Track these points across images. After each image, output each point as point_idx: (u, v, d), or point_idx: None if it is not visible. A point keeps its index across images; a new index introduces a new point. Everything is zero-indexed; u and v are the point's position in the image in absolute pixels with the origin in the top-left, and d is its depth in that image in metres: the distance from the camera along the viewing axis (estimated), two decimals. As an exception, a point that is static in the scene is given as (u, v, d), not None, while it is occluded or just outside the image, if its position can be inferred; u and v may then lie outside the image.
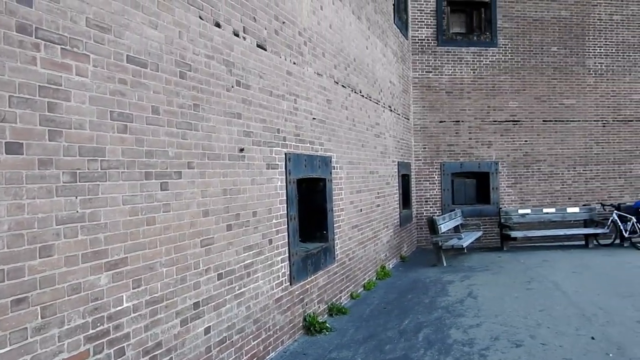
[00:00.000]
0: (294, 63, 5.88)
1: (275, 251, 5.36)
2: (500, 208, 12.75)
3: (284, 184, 5.59)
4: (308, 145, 6.26)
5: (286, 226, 5.61)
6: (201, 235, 4.04)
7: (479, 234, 12.07)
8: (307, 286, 6.12)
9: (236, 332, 4.52)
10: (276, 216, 5.39)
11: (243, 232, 4.69)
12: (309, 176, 6.28)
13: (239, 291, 4.59)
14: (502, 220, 12.45)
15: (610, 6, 13.45)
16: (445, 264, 10.23)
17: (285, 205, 5.61)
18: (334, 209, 7.08)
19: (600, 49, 13.40)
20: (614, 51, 13.46)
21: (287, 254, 5.60)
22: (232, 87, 4.55)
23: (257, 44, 5.01)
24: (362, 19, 8.62)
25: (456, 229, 11.78)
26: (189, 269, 3.87)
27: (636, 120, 13.51)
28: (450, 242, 10.55)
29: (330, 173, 6.96)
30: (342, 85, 7.55)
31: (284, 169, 5.58)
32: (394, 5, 11.01)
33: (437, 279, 8.94)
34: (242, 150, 4.68)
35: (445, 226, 10.75)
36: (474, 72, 12.93)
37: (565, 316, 6.45)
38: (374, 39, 9.38)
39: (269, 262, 5.21)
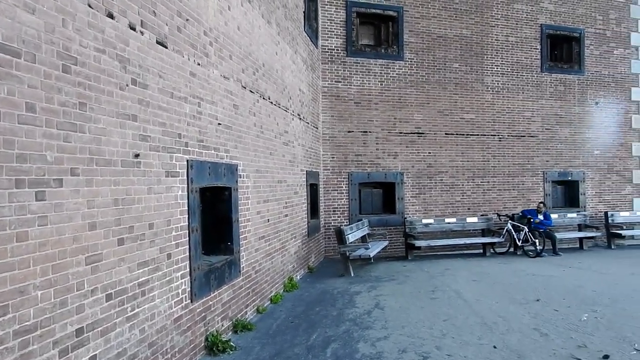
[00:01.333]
0: (199, 64, 5.51)
1: (175, 266, 4.93)
2: (405, 218, 13.01)
3: (186, 193, 5.19)
4: (213, 152, 5.88)
5: (187, 239, 5.20)
6: (86, 252, 3.56)
7: (385, 243, 12.20)
8: (210, 302, 5.72)
9: (128, 358, 4.05)
10: (176, 228, 4.97)
11: (137, 247, 4.24)
12: (213, 185, 5.91)
13: (131, 312, 4.13)
14: (407, 230, 12.70)
15: (506, 28, 14.25)
16: (352, 274, 10.19)
17: (187, 216, 5.20)
18: (240, 219, 6.73)
19: (497, 68, 14.14)
20: (509, 70, 14.26)
21: (188, 269, 5.19)
22: (127, 85, 4.11)
23: (156, 40, 4.60)
24: (272, 24, 8.38)
25: (363, 239, 11.82)
26: (70, 291, 3.38)
27: (528, 136, 14.38)
28: (357, 252, 10.53)
29: (237, 182, 6.62)
30: (250, 91, 7.25)
31: (185, 177, 5.17)
32: (304, 12, 10.89)
33: (344, 290, 8.84)
34: (137, 155, 4.24)
35: (352, 236, 10.73)
36: (381, 84, 13.13)
37: (468, 325, 6.55)
38: (284, 45, 9.18)
39: (167, 278, 4.77)
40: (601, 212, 14.87)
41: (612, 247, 14.24)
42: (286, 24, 9.36)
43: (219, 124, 6.07)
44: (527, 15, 14.45)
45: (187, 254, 5.19)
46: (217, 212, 6.39)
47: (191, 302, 5.24)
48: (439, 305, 7.68)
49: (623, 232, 14.02)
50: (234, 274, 6.43)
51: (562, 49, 15.06)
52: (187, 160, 5.21)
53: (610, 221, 14.27)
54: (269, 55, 8.22)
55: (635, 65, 15.38)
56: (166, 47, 4.77)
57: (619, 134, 15.24)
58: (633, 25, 15.48)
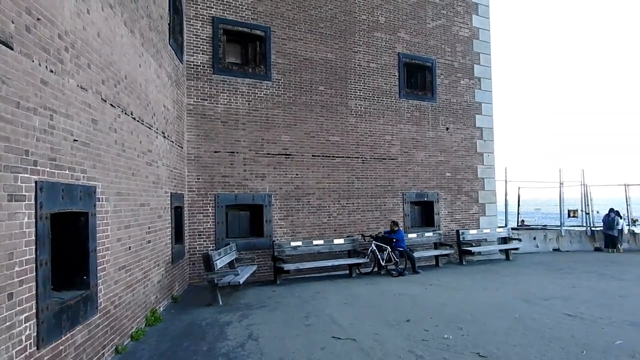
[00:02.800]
0: (52, 71, 4.77)
1: (18, 308, 4.13)
2: (274, 241, 12.77)
3: (33, 220, 4.41)
4: (67, 172, 5.12)
5: (34, 274, 4.40)
6: None
7: (254, 268, 11.82)
8: (61, 347, 4.91)
9: None
10: (20, 262, 4.18)
11: (-31, 289, 3.44)
12: (67, 210, 5.13)
13: (-41, 372, 3.31)
14: (276, 253, 12.45)
15: (367, 54, 14.86)
16: (221, 303, 9.63)
17: (34, 247, 4.41)
18: (97, 248, 5.95)
19: (360, 92, 14.64)
20: (370, 95, 14.84)
21: (34, 310, 4.39)
22: (-40, 90, 3.34)
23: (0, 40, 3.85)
24: (135, 34, 7.71)
25: (231, 264, 11.33)
26: None
27: (388, 159, 15.03)
28: (226, 278, 10.01)
29: (94, 206, 5.86)
30: (111, 104, 6.53)
31: (33, 202, 4.40)
32: (169, 25, 10.28)
33: (214, 321, 8.28)
34: (-28, 176, 3.46)
35: (221, 262, 10.20)
36: (249, 104, 12.85)
37: (346, 352, 6.42)
38: (148, 57, 8.51)
39: (7, 323, 3.96)
40: (453, 230, 15.98)
41: (464, 263, 15.34)
42: (150, 35, 8.71)
43: (75, 140, 5.31)
44: (386, 43, 15.21)
45: (34, 292, 4.39)
46: (72, 241, 5.58)
47: (38, 348, 4.44)
48: (314, 332, 7.48)
49: (473, 249, 15.17)
50: (90, 311, 5.64)
51: (417, 77, 16.08)
52: (36, 182, 4.44)
53: (461, 239, 15.39)
54: (132, 67, 7.54)
55: (479, 95, 16.94)
56: (12, 49, 4.03)
57: (467, 157, 16.59)
58: (476, 58, 17.07)
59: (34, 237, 4.41)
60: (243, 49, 13.33)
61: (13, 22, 4.07)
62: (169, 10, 10.28)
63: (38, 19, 4.52)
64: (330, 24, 14.29)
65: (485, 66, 17.25)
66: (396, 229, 13.72)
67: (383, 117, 15.02)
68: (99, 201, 6.04)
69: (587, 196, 20.54)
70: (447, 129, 16.20)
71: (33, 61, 4.41)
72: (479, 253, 15.75)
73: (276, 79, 13.30)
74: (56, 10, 4.89)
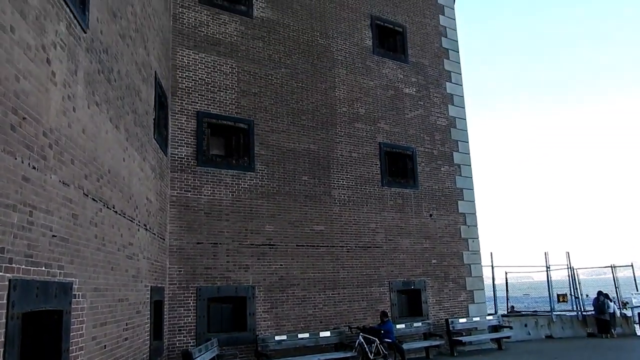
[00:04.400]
0: (34, 168, 4.79)
1: (-19, 419, 3.85)
2: (258, 335, 12.34)
3: (4, 320, 4.22)
4: (44, 268, 4.99)
5: (2, 380, 4.15)
6: None
7: (237, 364, 11.31)
8: None
9: None
10: (-13, 368, 3.95)
11: None
12: (40, 308, 4.94)
13: None
14: (260, 348, 11.99)
15: (349, 145, 15.25)
16: (201, 404, 9.12)
17: (3, 349, 4.19)
18: (70, 348, 5.68)
19: (343, 181, 14.85)
20: (353, 184, 15.06)
21: (-1, 420, 4.09)
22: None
23: (-17, 138, 3.89)
24: (120, 129, 7.86)
25: (213, 361, 10.85)
26: None
27: (373, 247, 14.98)
28: (207, 377, 9.55)
29: (70, 303, 5.66)
30: (93, 199, 6.51)
31: (5, 301, 4.24)
32: (154, 120, 10.52)
33: None
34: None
35: (201, 359, 9.76)
36: (232, 195, 12.92)
37: None
38: (132, 152, 8.62)
39: None
40: (442, 319, 15.64)
41: (455, 354, 14.89)
42: (135, 130, 8.88)
43: (54, 235, 5.23)
44: (367, 133, 15.68)
45: (0, 400, 4.12)
46: (44, 340, 5.32)
47: None
48: None
49: (464, 339, 14.79)
50: (60, 418, 5.27)
51: (398, 165, 16.42)
52: (10, 280, 4.30)
53: (451, 328, 15.04)
54: (116, 161, 7.61)
55: (460, 181, 17.28)
56: (-6, 147, 4.06)
57: (451, 243, 16.61)
58: (454, 145, 17.60)
59: (3, 339, 4.20)
60: (227, 141, 13.61)
61: (-2, 122, 4.13)
62: (155, 105, 10.56)
63: (24, 118, 4.60)
64: (312, 116, 14.76)
65: (464, 153, 17.74)
66: (385, 319, 13.40)
67: (367, 205, 15.15)
68: (75, 298, 5.85)
69: (574, 279, 20.47)
70: (431, 215, 16.34)
71: (16, 159, 4.43)
72: (470, 343, 15.33)
73: (260, 170, 13.48)
74: (42, 109, 4.99)
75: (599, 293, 18.83)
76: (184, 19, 13.20)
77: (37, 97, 4.88)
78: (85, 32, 6.24)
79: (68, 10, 5.66)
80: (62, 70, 5.49)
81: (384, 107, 16.35)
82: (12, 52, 4.39)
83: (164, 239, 11.43)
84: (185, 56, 13.00)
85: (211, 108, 13.12)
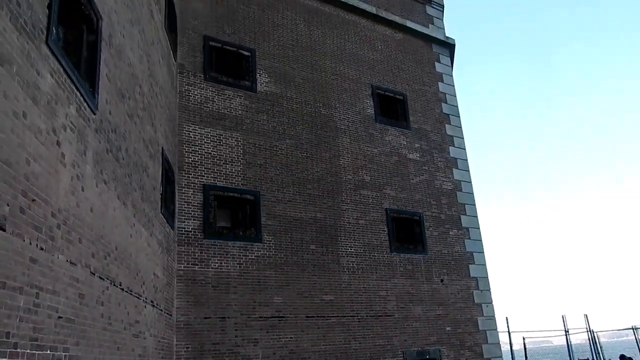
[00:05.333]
0: (42, 249, 4.79)
1: None
2: (269, 413, 11.85)
3: (7, 409, 4.09)
4: (49, 352, 4.89)
5: None
6: None
7: None
8: None
9: None
10: None
11: None
12: (45, 395, 4.79)
13: None
14: None
15: (355, 212, 15.24)
16: None
17: None
18: None
19: (351, 249, 14.73)
20: (361, 251, 14.92)
21: None
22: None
23: (-8, 222, 3.93)
24: (128, 205, 7.92)
25: None
26: None
27: (385, 315, 14.63)
28: None
29: (75, 388, 5.49)
30: (100, 277, 6.47)
31: (9, 389, 4.12)
32: (161, 195, 10.61)
33: None
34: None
35: None
36: (240, 267, 12.80)
37: None
38: (140, 227, 8.64)
39: None
40: (460, 389, 15.02)
41: None
42: (143, 206, 8.95)
43: (60, 317, 5.16)
44: (373, 200, 15.70)
45: None
46: None
47: None
48: None
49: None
50: None
51: (406, 231, 16.31)
52: (14, 367, 4.20)
53: (469, 399, 14.40)
54: (123, 237, 7.62)
55: (469, 245, 17.09)
56: (4, 230, 4.09)
57: (465, 309, 16.20)
58: (461, 209, 17.55)
59: None
60: (234, 213, 13.65)
61: (8, 205, 4.18)
62: (162, 181, 10.69)
63: (33, 200, 4.66)
64: (318, 184, 14.87)
65: (472, 216, 17.66)
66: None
67: (376, 272, 14.94)
68: (81, 382, 5.68)
69: (595, 343, 19.78)
70: (442, 281, 16.05)
71: (24, 240, 4.45)
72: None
73: (267, 241, 13.42)
74: (51, 190, 5.07)
75: (622, 357, 18.14)
76: (190, 95, 13.61)
77: (47, 179, 4.97)
78: (94, 114, 6.43)
79: (78, 94, 5.87)
80: (71, 151, 5.62)
81: (388, 174, 16.48)
82: (23, 136, 4.52)
83: (170, 315, 11.23)
84: (191, 131, 13.30)
85: (217, 181, 13.25)
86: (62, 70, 5.41)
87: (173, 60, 12.91)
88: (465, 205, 17.70)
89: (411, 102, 18.19)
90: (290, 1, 16.76)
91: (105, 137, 6.91)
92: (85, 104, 6.10)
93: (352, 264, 14.59)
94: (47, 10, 5.02)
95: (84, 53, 6.39)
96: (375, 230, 15.43)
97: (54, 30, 5.13)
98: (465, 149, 18.76)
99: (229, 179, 13.45)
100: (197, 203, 12.79)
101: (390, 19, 18.83)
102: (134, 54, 8.73)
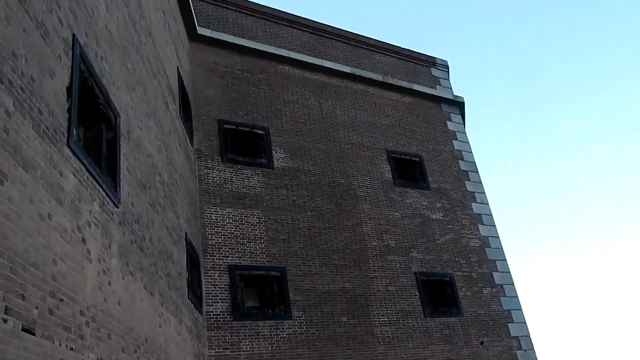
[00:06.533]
0: (72, 349, 4.73)
1: None
2: None
3: None
4: None
5: None
6: None
7: None
8: None
9: None
10: None
11: None
12: None
13: None
14: None
15: (384, 278, 14.94)
16: None
17: None
18: None
19: (383, 317, 14.31)
20: (395, 319, 14.48)
21: None
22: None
23: (22, 327, 3.91)
24: (155, 295, 7.88)
25: None
26: None
27: (427, 385, 13.97)
28: None
29: None
30: (131, 372, 6.33)
31: None
32: (187, 280, 10.56)
33: None
34: None
35: None
36: (272, 347, 12.47)
37: None
38: (168, 316, 8.54)
39: None
40: None
41: None
42: (170, 294, 8.89)
43: (92, 420, 5.01)
44: (400, 264, 15.42)
45: None
46: None
47: None
48: None
49: None
50: None
51: (438, 293, 15.84)
52: None
53: None
54: (152, 328, 7.51)
55: (505, 302, 16.49)
56: (34, 334, 4.06)
57: (510, 372, 15.41)
58: (492, 265, 17.09)
59: None
60: (261, 291, 13.47)
61: (37, 308, 4.18)
62: (187, 266, 10.68)
63: (61, 300, 4.65)
64: (343, 254, 14.69)
65: (504, 272, 17.17)
66: None
67: (412, 340, 14.41)
68: None
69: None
70: (482, 343, 15.39)
71: (54, 342, 4.41)
72: None
73: (297, 317, 13.13)
74: (78, 288, 5.07)
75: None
76: (209, 178, 13.84)
77: (74, 277, 4.98)
78: (117, 207, 6.54)
79: (101, 189, 6.00)
80: (96, 246, 5.67)
81: (413, 236, 16.26)
82: (49, 237, 4.58)
83: (205, 405, 10.87)
84: (212, 213, 13.41)
85: (242, 260, 13.19)
86: (84, 168, 5.56)
87: (190, 146, 13.25)
88: (496, 261, 17.26)
89: (428, 162, 18.24)
90: (299, 78, 17.31)
91: (129, 229, 6.98)
92: (107, 199, 6.22)
93: (387, 334, 14.12)
94: (67, 114, 5.24)
95: (104, 149, 6.59)
96: (407, 295, 15.03)
97: (74, 132, 5.33)
98: (488, 204, 18.54)
99: (253, 257, 13.39)
100: (224, 285, 12.68)
101: (397, 84, 19.29)
102: (152, 145, 8.99)
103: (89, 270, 5.38)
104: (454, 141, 19.50)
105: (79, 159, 5.44)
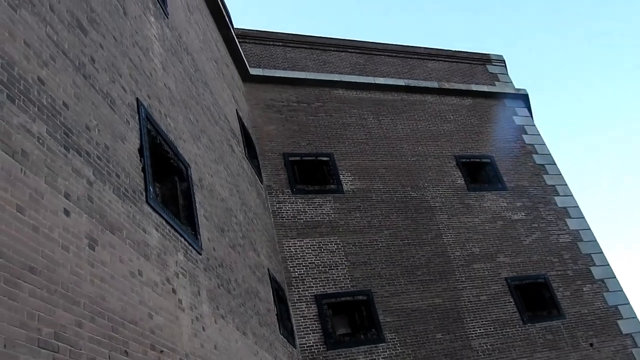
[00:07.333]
0: (177, 399, 4.85)
1: None
2: None
3: None
4: None
5: None
6: None
7: None
8: None
9: None
10: None
11: None
12: None
13: None
14: None
15: (474, 288, 14.41)
16: None
17: None
18: None
19: (480, 329, 13.76)
20: (492, 329, 13.87)
21: None
22: None
23: (128, 384, 4.05)
24: (248, 334, 7.98)
25: None
26: None
27: (538, 395, 13.21)
28: None
29: None
30: (236, 415, 6.40)
31: None
32: (277, 315, 10.65)
33: None
34: None
35: None
36: (370, 372, 12.27)
37: None
38: (263, 354, 8.62)
39: None
40: None
41: None
42: (262, 331, 8.98)
43: None
44: (489, 272, 14.84)
45: None
46: None
47: None
48: None
49: None
50: None
51: (534, 297, 15.07)
52: None
53: None
54: (250, 368, 7.59)
55: (610, 298, 15.41)
56: (139, 389, 4.19)
57: (627, 373, 14.31)
58: (589, 260, 16.07)
59: None
60: (350, 317, 13.36)
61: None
62: (274, 301, 10.78)
63: (161, 351, 4.79)
64: (427, 269, 14.35)
65: (603, 265, 16.12)
66: None
67: (514, 350, 13.72)
68: None
69: None
70: (592, 345, 14.41)
71: (159, 395, 4.53)
72: None
73: (390, 339, 12.88)
74: (176, 337, 5.21)
75: None
76: (283, 212, 14.02)
77: (170, 328, 5.13)
78: (200, 254, 6.72)
79: (183, 239, 6.20)
80: (187, 295, 5.83)
81: (497, 240, 15.65)
82: (142, 293, 4.75)
83: None
84: (291, 246, 13.53)
85: (327, 288, 13.17)
86: (164, 222, 5.78)
87: (260, 183, 13.53)
88: (592, 255, 16.24)
89: (500, 162, 17.61)
90: (354, 99, 17.36)
91: (214, 273, 7.15)
92: (190, 247, 6.41)
93: (486, 346, 13.54)
94: (142, 173, 5.48)
95: (180, 200, 6.84)
96: (500, 303, 14.40)
97: (151, 189, 5.56)
98: (572, 196, 17.59)
99: (337, 284, 13.33)
100: (313, 315, 12.68)
101: (454, 87, 18.91)
102: (224, 188, 9.24)
103: (183, 319, 5.53)
104: (524, 136, 18.75)
105: (158, 213, 5.66)
